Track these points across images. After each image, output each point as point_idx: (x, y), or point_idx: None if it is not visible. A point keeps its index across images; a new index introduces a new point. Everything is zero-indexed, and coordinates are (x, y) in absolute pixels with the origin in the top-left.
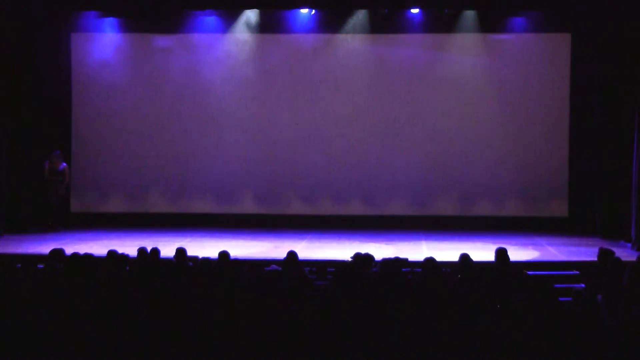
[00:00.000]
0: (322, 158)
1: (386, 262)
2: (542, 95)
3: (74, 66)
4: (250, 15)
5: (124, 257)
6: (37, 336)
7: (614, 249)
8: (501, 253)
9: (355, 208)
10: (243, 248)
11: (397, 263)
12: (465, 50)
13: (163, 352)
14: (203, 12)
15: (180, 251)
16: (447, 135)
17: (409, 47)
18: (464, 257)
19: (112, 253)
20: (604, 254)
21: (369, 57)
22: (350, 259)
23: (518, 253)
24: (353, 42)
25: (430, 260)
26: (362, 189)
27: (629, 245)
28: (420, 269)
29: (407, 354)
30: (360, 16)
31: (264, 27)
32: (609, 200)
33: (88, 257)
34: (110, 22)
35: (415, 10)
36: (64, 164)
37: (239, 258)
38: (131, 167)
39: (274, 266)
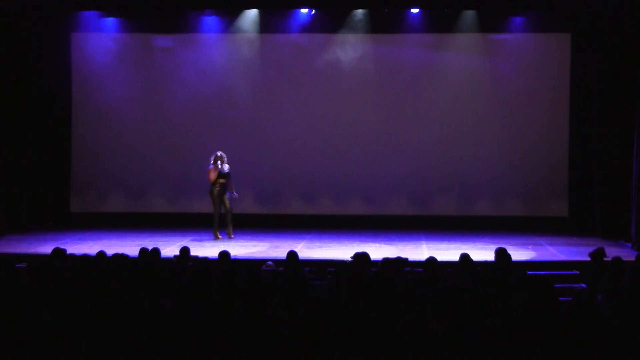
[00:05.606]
0: (322, 158)
1: (387, 261)
2: (542, 95)
3: (74, 66)
4: (250, 15)
5: (124, 257)
6: (36, 336)
7: (614, 249)
8: (501, 253)
9: (355, 208)
10: (243, 248)
11: (398, 263)
12: (465, 50)
13: (162, 352)
14: (203, 12)
15: (184, 250)
16: (447, 134)
17: (409, 47)
18: (464, 257)
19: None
20: (595, 255)
21: (369, 57)
22: (350, 259)
23: (518, 253)
24: (353, 42)
25: (431, 260)
26: (362, 189)
27: (629, 245)
28: (420, 269)
29: (407, 354)
30: (360, 16)
31: (264, 27)
32: (609, 200)
33: (86, 257)
34: (110, 22)
35: (415, 10)
36: (227, 166)
37: (239, 258)
38: (131, 167)
39: (270, 263)
